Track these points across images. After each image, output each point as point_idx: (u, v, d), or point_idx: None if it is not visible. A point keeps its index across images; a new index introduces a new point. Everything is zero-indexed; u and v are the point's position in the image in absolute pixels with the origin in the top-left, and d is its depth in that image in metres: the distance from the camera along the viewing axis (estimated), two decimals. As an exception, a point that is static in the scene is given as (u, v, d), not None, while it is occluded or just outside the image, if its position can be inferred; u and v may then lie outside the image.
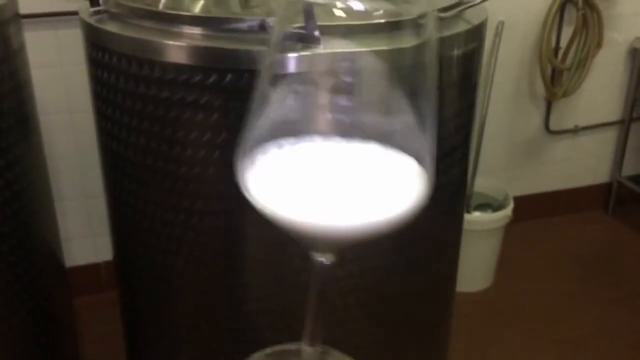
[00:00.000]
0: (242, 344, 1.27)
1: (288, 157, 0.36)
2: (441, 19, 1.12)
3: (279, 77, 0.34)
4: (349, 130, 0.35)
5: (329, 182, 0.35)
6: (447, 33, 1.13)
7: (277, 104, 0.35)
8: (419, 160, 0.36)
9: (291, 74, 0.34)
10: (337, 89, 0.33)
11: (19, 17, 1.43)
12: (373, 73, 0.35)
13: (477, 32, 1.22)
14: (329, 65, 0.33)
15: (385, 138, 0.36)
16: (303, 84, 0.35)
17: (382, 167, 0.36)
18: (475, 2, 1.11)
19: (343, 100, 0.33)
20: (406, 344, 1.38)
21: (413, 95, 0.34)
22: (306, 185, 0.35)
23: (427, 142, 0.36)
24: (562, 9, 2.36)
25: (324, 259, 0.38)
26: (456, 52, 1.18)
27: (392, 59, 0.34)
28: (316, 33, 1.00)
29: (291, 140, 0.36)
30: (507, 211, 2.20)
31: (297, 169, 0.36)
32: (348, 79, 0.33)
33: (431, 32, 0.34)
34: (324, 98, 0.34)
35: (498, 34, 2.27)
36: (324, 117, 0.34)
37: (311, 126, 0.35)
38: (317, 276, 0.38)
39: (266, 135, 0.36)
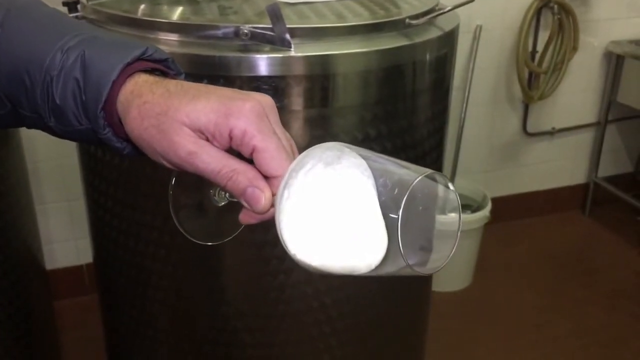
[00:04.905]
0: (219, 345, 1.28)
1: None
2: (412, 26, 1.15)
3: None
4: None
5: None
6: (418, 40, 1.16)
7: None
8: None
9: None
10: None
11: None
12: None
13: (448, 38, 1.25)
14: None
15: None
16: None
17: None
18: (445, 10, 1.13)
19: None
20: (382, 344, 1.40)
21: None
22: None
23: None
24: (538, 14, 2.40)
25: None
26: (428, 58, 1.21)
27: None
28: (286, 36, 1.02)
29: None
30: (486, 212, 2.23)
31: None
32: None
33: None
34: None
35: (476, 38, 2.31)
36: None
37: None
38: None
39: None
